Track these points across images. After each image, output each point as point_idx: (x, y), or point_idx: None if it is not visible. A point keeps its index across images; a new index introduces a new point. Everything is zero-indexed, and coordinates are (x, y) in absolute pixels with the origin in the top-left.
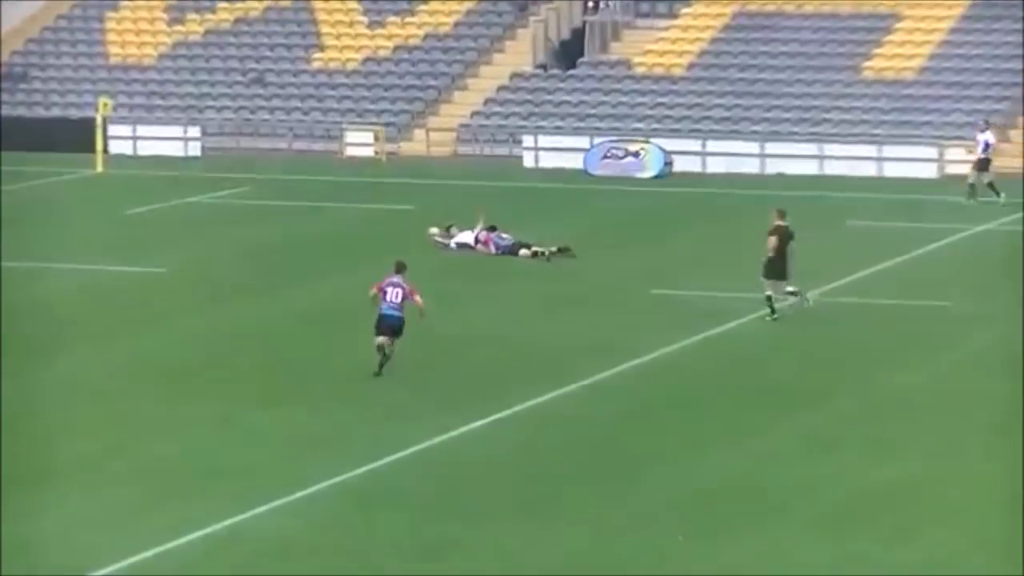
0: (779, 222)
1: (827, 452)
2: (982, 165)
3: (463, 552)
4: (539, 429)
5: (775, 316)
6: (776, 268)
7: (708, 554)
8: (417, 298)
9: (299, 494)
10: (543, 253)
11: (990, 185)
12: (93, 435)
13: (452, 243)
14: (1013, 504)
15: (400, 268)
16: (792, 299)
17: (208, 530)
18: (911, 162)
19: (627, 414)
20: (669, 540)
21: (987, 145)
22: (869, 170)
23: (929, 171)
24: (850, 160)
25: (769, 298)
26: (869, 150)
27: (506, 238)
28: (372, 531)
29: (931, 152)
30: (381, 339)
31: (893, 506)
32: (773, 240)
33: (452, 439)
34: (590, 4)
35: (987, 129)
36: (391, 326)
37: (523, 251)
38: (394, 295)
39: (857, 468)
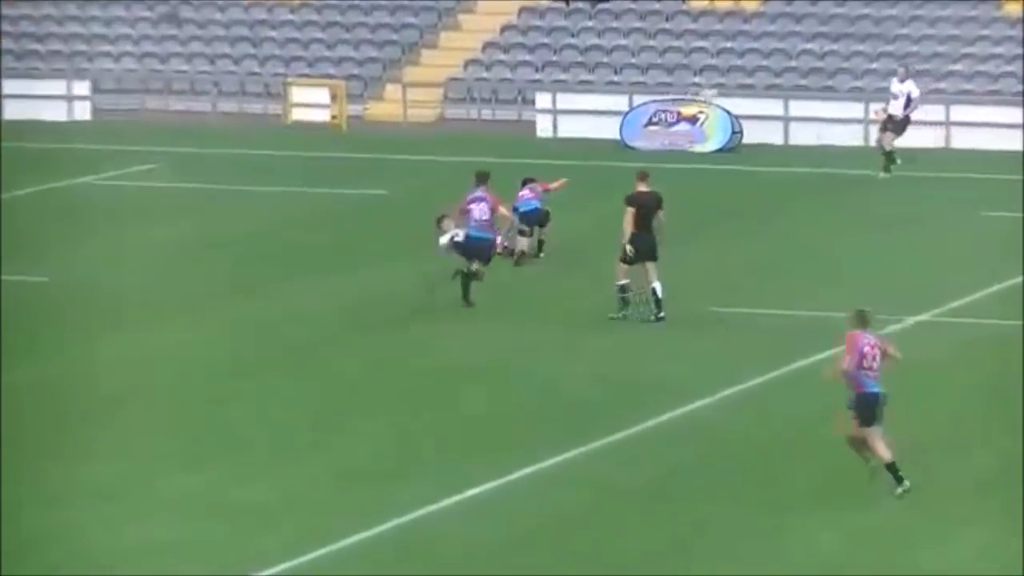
0: (641, 187)
1: (956, 526)
2: (899, 126)
3: None
4: (567, 493)
5: (625, 314)
6: (643, 248)
7: None
8: (503, 210)
9: None
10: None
11: (888, 154)
12: None
13: (442, 241)
14: None
15: (482, 178)
16: (651, 305)
17: None
18: None
19: (684, 474)
20: None
21: (909, 100)
22: (1014, 142)
23: None
24: (988, 128)
25: (623, 288)
26: (1014, 114)
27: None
28: None
29: None
30: (473, 266)
31: None
32: (630, 212)
33: (446, 510)
34: None
35: (908, 78)
36: (481, 249)
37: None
38: (480, 212)
39: (995, 546)
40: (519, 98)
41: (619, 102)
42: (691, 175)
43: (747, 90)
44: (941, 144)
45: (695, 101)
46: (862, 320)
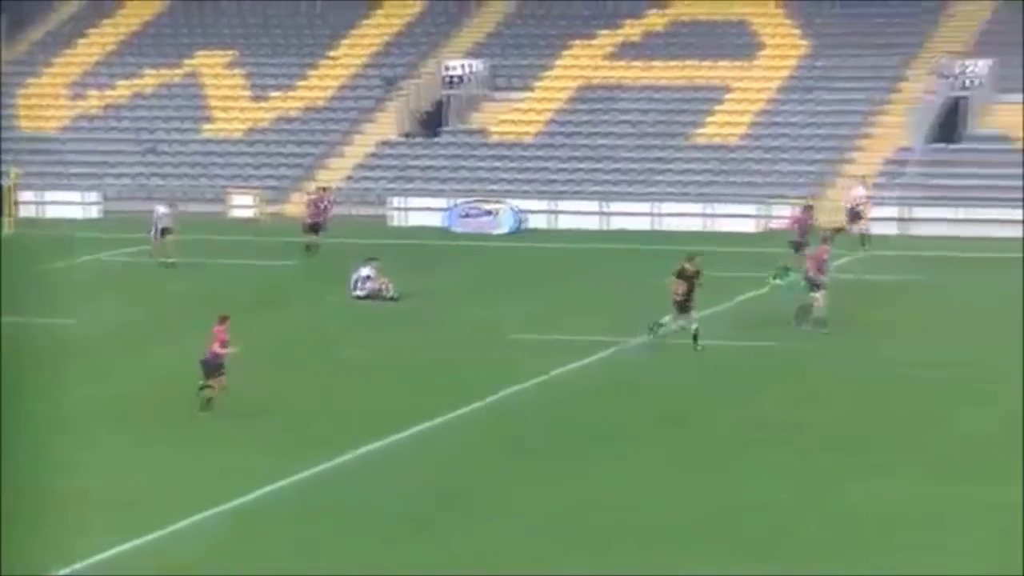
0: None
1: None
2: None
3: None
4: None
5: None
6: None
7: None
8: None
9: None
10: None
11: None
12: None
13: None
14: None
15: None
16: None
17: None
18: (735, 218)
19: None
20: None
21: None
22: (695, 225)
23: (748, 226)
24: (680, 217)
25: None
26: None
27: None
28: None
29: (753, 209)
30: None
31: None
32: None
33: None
34: (450, 80)
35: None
36: None
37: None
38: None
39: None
40: (378, 200)
41: (444, 202)
42: (491, 250)
43: (527, 193)
44: (650, 227)
45: (492, 201)
46: None
